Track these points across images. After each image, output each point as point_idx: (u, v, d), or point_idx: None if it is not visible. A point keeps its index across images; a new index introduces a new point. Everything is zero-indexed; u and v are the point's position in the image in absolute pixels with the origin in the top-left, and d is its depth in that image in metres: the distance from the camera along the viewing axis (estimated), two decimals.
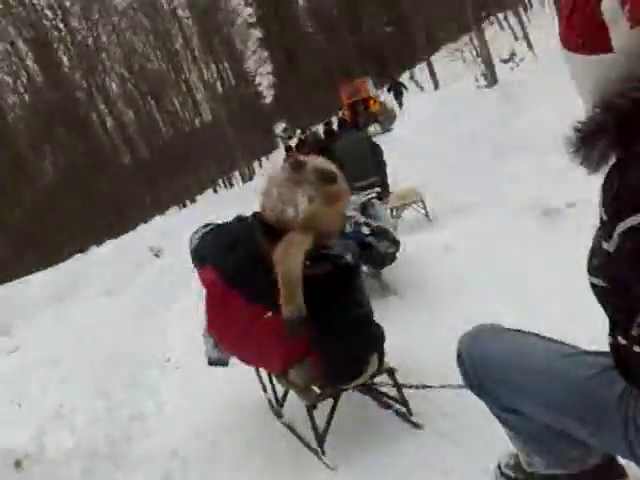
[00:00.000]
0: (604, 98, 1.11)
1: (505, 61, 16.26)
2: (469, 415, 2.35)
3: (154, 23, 36.21)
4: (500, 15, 33.20)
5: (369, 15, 34.49)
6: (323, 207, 2.38)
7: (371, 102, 18.22)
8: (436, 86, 23.15)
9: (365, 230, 3.64)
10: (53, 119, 32.42)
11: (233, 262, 2.44)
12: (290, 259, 2.28)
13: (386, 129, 17.12)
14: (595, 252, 1.24)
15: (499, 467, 2.01)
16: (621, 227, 1.09)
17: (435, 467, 2.29)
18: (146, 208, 31.01)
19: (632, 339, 1.24)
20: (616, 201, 1.11)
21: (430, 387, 2.70)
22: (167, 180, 34.38)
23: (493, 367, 1.63)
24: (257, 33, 40.73)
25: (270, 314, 2.38)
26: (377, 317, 2.56)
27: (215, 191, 34.70)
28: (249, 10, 40.91)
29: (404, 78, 28.01)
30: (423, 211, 6.48)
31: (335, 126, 12.69)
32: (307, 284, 2.27)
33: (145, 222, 20.99)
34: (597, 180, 1.17)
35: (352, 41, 31.78)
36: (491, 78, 14.64)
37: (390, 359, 2.67)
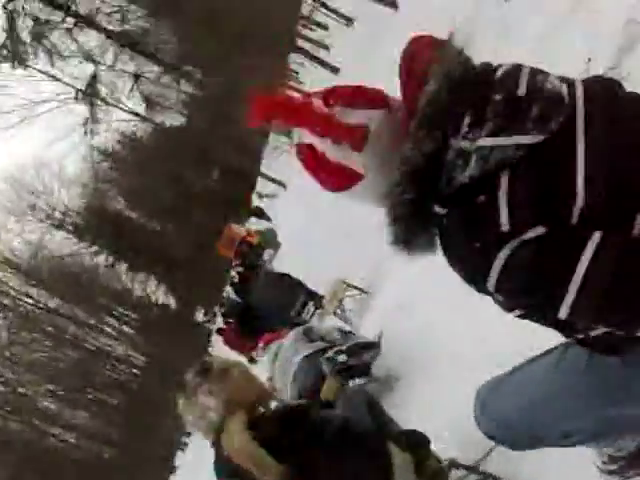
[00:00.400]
0: (387, 214, 1.24)
1: None
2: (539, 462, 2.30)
3: None
4: None
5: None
6: (223, 390, 2.39)
7: (249, 239, 18.47)
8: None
9: (341, 358, 3.60)
10: None
11: None
12: (236, 443, 2.26)
13: (275, 247, 17.38)
14: (494, 298, 1.29)
15: (600, 469, 1.95)
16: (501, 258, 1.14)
17: None
18: None
19: (582, 332, 1.32)
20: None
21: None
22: None
23: (517, 419, 1.64)
24: None
25: None
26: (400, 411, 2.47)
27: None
28: None
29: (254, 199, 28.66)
30: (357, 292, 6.54)
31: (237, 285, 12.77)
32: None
33: None
34: None
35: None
36: None
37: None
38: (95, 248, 29.30)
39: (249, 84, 18.61)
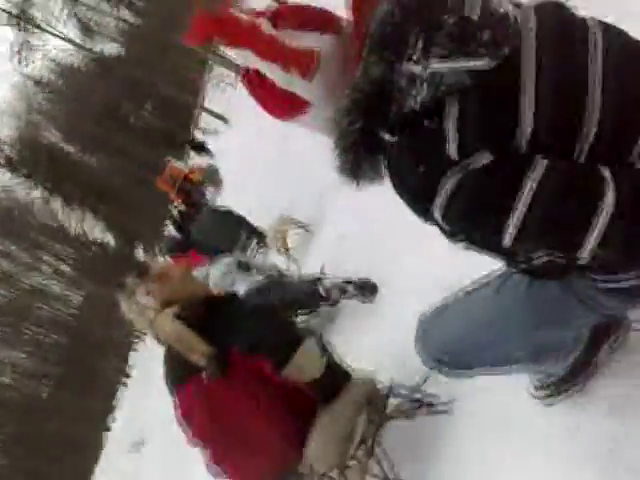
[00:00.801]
0: (335, 142, 1.22)
1: None
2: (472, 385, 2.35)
3: None
4: None
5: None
6: (160, 290, 2.55)
7: (190, 176, 18.17)
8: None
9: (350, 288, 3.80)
10: None
11: None
12: (165, 328, 2.44)
13: (217, 184, 17.17)
14: (439, 226, 1.30)
15: (533, 395, 2.04)
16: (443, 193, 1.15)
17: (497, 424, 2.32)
18: None
19: (525, 260, 1.34)
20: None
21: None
22: None
23: (459, 345, 1.69)
24: None
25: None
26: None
27: None
28: None
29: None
30: (302, 229, 6.55)
31: (179, 221, 12.61)
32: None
33: None
34: None
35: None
36: None
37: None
38: (29, 182, 28.31)
39: (189, 14, 18.02)
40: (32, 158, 27.22)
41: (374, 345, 3.19)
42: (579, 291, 1.43)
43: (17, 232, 27.83)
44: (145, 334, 3.02)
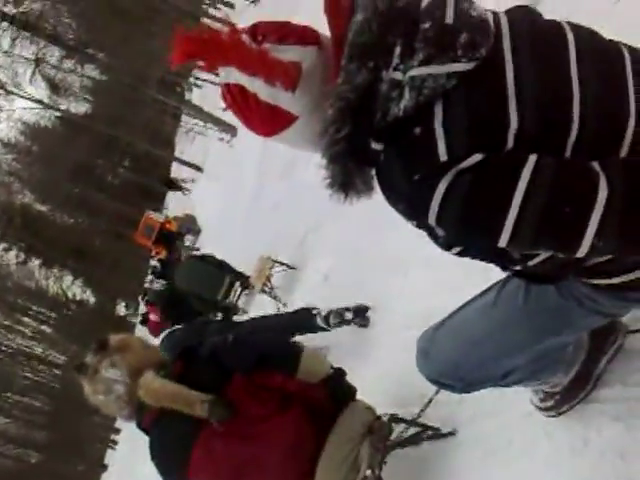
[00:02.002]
0: (322, 153, 1.20)
1: None
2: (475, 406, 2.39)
3: None
4: None
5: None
6: (125, 358, 2.40)
7: (167, 225, 18.12)
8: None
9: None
10: None
11: None
12: (157, 386, 2.32)
13: (196, 233, 17.15)
14: (432, 235, 1.31)
15: (537, 407, 2.02)
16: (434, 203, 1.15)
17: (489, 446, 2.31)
18: None
19: (520, 263, 1.35)
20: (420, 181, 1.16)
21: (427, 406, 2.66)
22: None
23: (459, 363, 1.68)
24: None
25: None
26: None
27: None
28: None
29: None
30: (283, 267, 6.53)
31: (160, 272, 12.53)
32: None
33: None
34: None
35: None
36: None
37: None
38: (4, 245, 28.00)
39: (155, 67, 18.20)
40: (6, 220, 26.96)
41: (374, 372, 3.16)
42: (576, 293, 1.44)
43: None
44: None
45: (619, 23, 2.03)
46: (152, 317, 8.93)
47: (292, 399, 2.39)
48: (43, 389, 30.34)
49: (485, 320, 1.62)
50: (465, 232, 1.21)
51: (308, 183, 7.00)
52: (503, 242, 1.17)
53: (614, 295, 1.40)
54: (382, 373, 3.13)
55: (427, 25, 1.16)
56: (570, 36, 1.22)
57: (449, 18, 1.17)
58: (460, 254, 1.37)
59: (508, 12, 1.27)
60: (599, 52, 1.22)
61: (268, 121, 1.23)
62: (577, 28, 1.25)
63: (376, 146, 1.20)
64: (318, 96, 1.20)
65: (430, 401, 2.60)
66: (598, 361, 1.86)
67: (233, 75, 1.20)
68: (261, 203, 9.81)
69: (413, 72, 1.13)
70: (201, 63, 1.21)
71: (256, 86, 1.19)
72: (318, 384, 2.45)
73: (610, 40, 1.28)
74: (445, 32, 1.15)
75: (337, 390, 2.49)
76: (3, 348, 28.68)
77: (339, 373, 2.56)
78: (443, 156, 1.12)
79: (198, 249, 14.25)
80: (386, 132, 1.17)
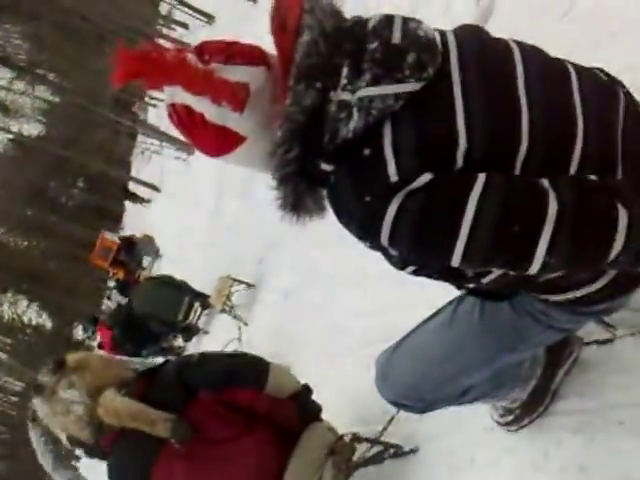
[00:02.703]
0: (273, 174, 1.20)
1: None
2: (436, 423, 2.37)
3: None
4: None
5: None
6: (83, 378, 2.34)
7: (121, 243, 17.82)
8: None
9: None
10: None
11: None
12: (114, 408, 2.26)
13: (155, 255, 16.94)
14: (387, 255, 1.32)
15: (497, 422, 2.03)
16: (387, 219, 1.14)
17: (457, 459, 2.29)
18: None
19: (473, 280, 1.36)
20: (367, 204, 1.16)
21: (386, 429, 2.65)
22: None
23: (418, 384, 1.67)
24: None
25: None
26: None
27: None
28: None
29: None
30: (243, 286, 6.49)
31: (118, 293, 12.33)
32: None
33: None
34: None
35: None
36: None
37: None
38: None
39: (107, 87, 18.01)
40: None
41: (335, 390, 3.13)
42: (530, 309, 1.44)
43: None
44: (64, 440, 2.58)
45: (563, 42, 2.08)
46: (103, 339, 8.71)
47: (258, 419, 2.35)
48: (0, 418, 29.46)
49: (442, 340, 1.61)
50: (417, 252, 1.21)
51: (267, 200, 6.97)
52: (455, 262, 1.17)
53: (568, 310, 1.41)
54: (344, 391, 3.11)
55: (374, 45, 1.16)
56: (517, 54, 1.23)
57: (396, 38, 1.17)
58: (415, 273, 1.37)
59: (456, 30, 1.28)
60: (546, 70, 1.24)
61: (216, 141, 1.22)
62: (524, 46, 1.27)
63: (326, 167, 1.19)
64: (267, 116, 1.19)
65: (392, 419, 2.59)
66: (555, 375, 1.88)
67: (179, 95, 1.18)
68: (220, 221, 9.74)
69: (361, 93, 1.13)
70: (144, 83, 1.18)
71: (203, 106, 1.17)
72: (287, 400, 2.41)
73: (556, 58, 1.30)
74: (392, 52, 1.15)
75: (306, 407, 2.46)
76: None
77: (307, 389, 2.53)
78: (393, 177, 1.12)
79: (154, 271, 14.06)
80: (335, 153, 1.17)
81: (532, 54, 1.25)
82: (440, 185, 1.12)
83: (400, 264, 1.33)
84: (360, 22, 1.22)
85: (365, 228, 1.19)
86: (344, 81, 1.14)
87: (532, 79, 1.20)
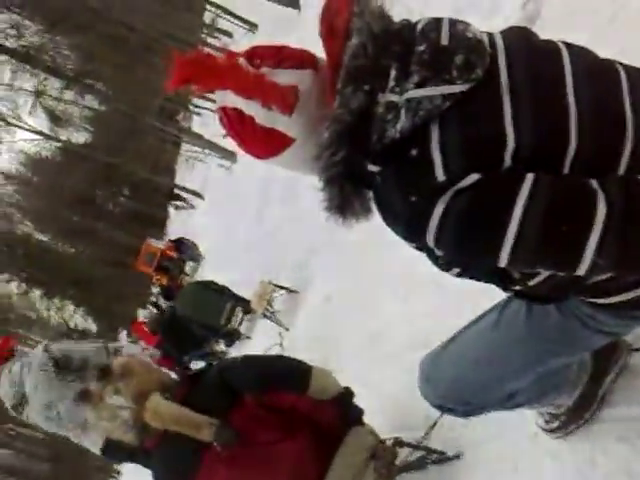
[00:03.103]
0: (319, 176, 1.21)
1: None
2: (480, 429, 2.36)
3: None
4: None
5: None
6: (128, 385, 2.43)
7: (168, 252, 18.16)
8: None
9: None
10: None
11: None
12: (162, 410, 2.31)
13: (198, 259, 17.16)
14: (433, 256, 1.31)
15: (543, 429, 2.00)
16: (431, 228, 1.15)
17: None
18: None
19: (520, 283, 1.35)
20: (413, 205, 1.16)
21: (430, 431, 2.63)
22: None
23: (463, 387, 1.66)
24: None
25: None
26: None
27: None
28: None
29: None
30: (284, 290, 6.53)
31: (162, 299, 12.52)
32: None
33: None
34: None
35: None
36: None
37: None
38: (6, 276, 27.96)
39: (154, 96, 18.34)
40: (8, 251, 26.96)
41: (378, 396, 3.13)
42: (578, 312, 1.42)
43: None
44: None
45: (612, 44, 2.05)
46: (148, 344, 8.85)
47: (301, 422, 2.36)
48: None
49: (487, 342, 1.60)
50: (464, 252, 1.20)
51: (308, 207, 7.03)
52: (503, 262, 1.16)
53: (616, 314, 1.39)
54: (386, 396, 3.10)
55: (422, 47, 1.17)
56: (565, 54, 1.22)
57: (444, 40, 1.18)
58: (460, 275, 1.36)
59: (503, 32, 1.28)
60: (595, 70, 1.23)
61: (265, 144, 1.24)
62: (572, 46, 1.26)
63: (373, 168, 1.20)
64: (315, 119, 1.21)
65: (435, 424, 2.57)
66: (602, 381, 1.85)
67: (229, 98, 1.21)
68: (262, 228, 9.82)
69: (409, 94, 1.14)
70: (196, 87, 1.22)
71: (253, 109, 1.19)
72: (329, 403, 2.42)
73: (605, 58, 1.29)
74: (440, 54, 1.16)
75: (349, 410, 2.47)
76: None
77: (349, 392, 2.54)
78: (440, 177, 1.12)
79: (197, 276, 14.22)
80: (382, 154, 1.17)
81: (580, 54, 1.25)
82: (487, 185, 1.12)
83: (445, 265, 1.33)
84: (408, 25, 1.23)
85: (411, 228, 1.19)
86: (392, 83, 1.15)
87: (580, 79, 1.19)
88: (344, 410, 2.43)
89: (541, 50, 1.23)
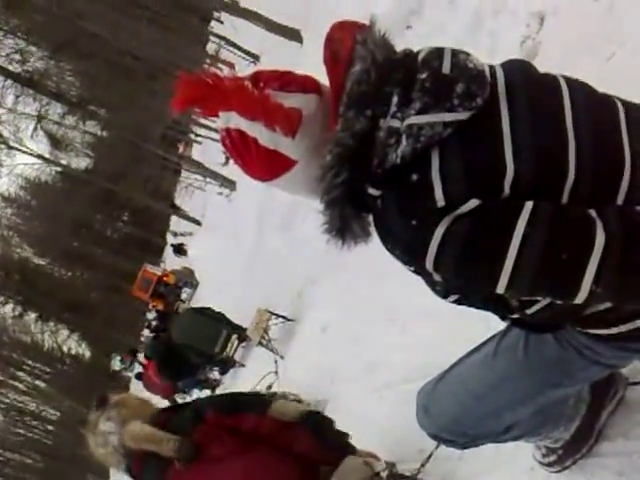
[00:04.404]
0: (320, 198, 1.22)
1: None
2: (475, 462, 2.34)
3: None
4: None
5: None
6: (120, 413, 2.49)
7: (165, 278, 18.13)
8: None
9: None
10: None
11: None
12: (134, 433, 2.41)
13: (193, 286, 17.13)
14: (431, 282, 1.32)
15: (540, 462, 1.99)
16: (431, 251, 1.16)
17: None
18: None
19: (518, 311, 1.36)
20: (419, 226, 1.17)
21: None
22: None
23: (459, 418, 1.65)
24: None
25: None
26: None
27: None
28: None
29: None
30: (281, 319, 6.51)
31: (156, 322, 12.46)
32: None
33: None
34: None
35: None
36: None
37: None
38: (1, 298, 27.82)
39: (156, 124, 18.48)
40: (3, 273, 26.89)
41: (373, 427, 3.11)
42: (575, 343, 1.43)
43: None
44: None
45: (610, 83, 2.09)
46: (150, 373, 8.80)
47: (260, 442, 2.39)
48: (36, 446, 29.69)
49: (485, 373, 1.60)
50: (462, 278, 1.21)
51: (306, 236, 7.05)
52: (501, 288, 1.17)
53: (614, 345, 1.39)
54: (381, 427, 3.08)
55: (424, 75, 1.19)
56: (564, 86, 1.25)
57: (446, 68, 1.20)
58: (458, 302, 1.37)
59: (504, 64, 1.31)
60: (593, 103, 1.26)
61: (267, 165, 1.26)
62: (571, 80, 1.28)
63: (373, 192, 1.21)
64: (317, 142, 1.23)
65: (430, 456, 2.55)
66: (599, 415, 1.84)
67: (233, 120, 1.23)
68: (259, 256, 9.82)
69: (410, 120, 1.16)
70: (200, 110, 1.24)
71: (256, 131, 1.21)
72: (296, 424, 2.42)
73: (602, 92, 1.31)
74: (442, 82, 1.19)
75: (318, 426, 2.44)
76: None
77: (315, 412, 2.59)
78: (440, 201, 1.14)
79: (193, 302, 14.18)
80: (383, 178, 1.19)
81: (579, 87, 1.27)
82: (487, 211, 1.13)
83: (443, 292, 1.33)
84: (410, 54, 1.26)
85: (410, 252, 1.20)
86: (394, 109, 1.18)
87: (579, 110, 1.21)
88: (314, 428, 2.43)
89: (541, 82, 1.26)
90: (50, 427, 30.42)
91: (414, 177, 1.16)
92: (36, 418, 30.10)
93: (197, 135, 23.24)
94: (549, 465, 1.96)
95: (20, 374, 29.28)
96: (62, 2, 15.69)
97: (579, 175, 1.16)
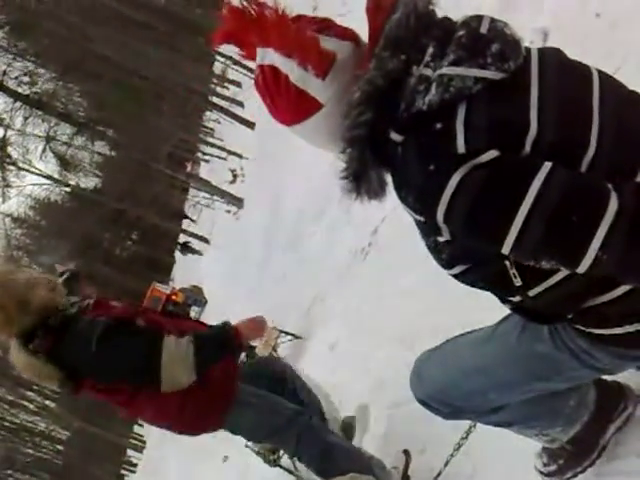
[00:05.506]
0: (343, 135, 1.23)
1: None
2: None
3: None
4: None
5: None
6: None
7: (174, 297, 18.10)
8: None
9: None
10: None
11: None
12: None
13: (202, 304, 17.12)
14: (437, 249, 1.33)
15: (540, 471, 1.98)
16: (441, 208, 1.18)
17: None
18: None
19: (521, 292, 1.35)
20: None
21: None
22: None
23: (447, 389, 1.67)
24: None
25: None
26: None
27: None
28: None
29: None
30: (289, 336, 6.49)
31: None
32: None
33: None
34: None
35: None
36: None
37: None
38: None
39: (164, 143, 18.62)
40: None
41: (382, 445, 3.10)
42: (572, 345, 1.42)
43: (1, 371, 27.17)
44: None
45: None
46: None
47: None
48: (45, 466, 29.64)
49: (476, 353, 1.62)
50: (472, 230, 1.21)
51: (313, 254, 7.06)
52: (507, 245, 1.18)
53: (614, 352, 1.39)
54: (389, 445, 3.06)
55: (461, 33, 1.23)
56: (595, 75, 1.29)
57: (484, 29, 1.24)
58: (461, 277, 1.36)
59: (539, 48, 1.34)
60: (621, 94, 1.29)
61: (294, 106, 1.28)
62: (603, 72, 1.32)
63: (396, 137, 1.23)
64: (345, 89, 1.25)
65: (439, 474, 2.53)
66: (605, 429, 1.81)
67: (269, 56, 1.25)
68: (267, 274, 9.83)
69: (442, 70, 1.19)
70: (238, 46, 1.27)
71: (289, 67, 1.24)
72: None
73: (634, 91, 1.34)
74: (478, 40, 1.22)
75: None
76: (6, 424, 28.18)
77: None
78: (461, 148, 1.16)
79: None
80: (407, 123, 1.21)
81: (609, 80, 1.31)
82: (505, 164, 1.15)
83: (449, 259, 1.33)
84: (450, 19, 1.30)
85: (424, 199, 1.21)
86: (428, 58, 1.21)
87: (607, 98, 1.24)
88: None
89: (573, 66, 1.30)
90: (60, 447, 30.37)
91: (438, 125, 1.18)
92: (46, 438, 30.07)
93: (204, 154, 23.38)
94: (548, 475, 1.94)
95: (30, 394, 29.30)
96: (70, 25, 15.90)
97: (599, 150, 1.19)
